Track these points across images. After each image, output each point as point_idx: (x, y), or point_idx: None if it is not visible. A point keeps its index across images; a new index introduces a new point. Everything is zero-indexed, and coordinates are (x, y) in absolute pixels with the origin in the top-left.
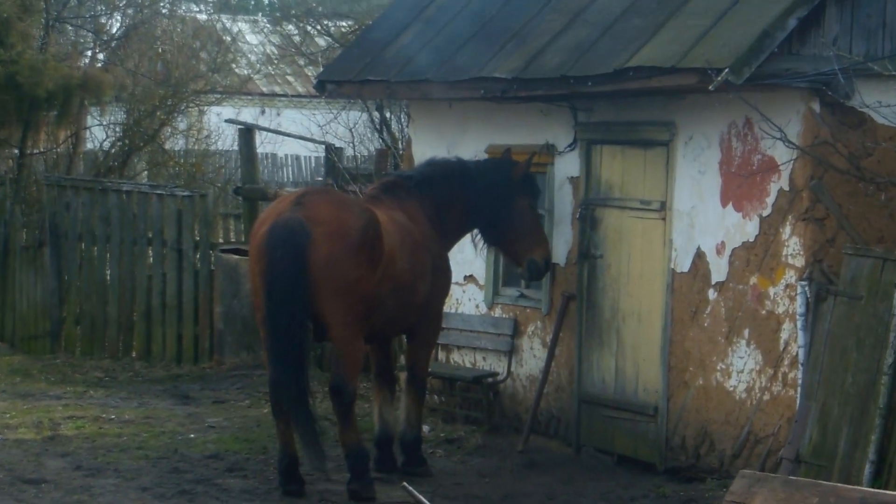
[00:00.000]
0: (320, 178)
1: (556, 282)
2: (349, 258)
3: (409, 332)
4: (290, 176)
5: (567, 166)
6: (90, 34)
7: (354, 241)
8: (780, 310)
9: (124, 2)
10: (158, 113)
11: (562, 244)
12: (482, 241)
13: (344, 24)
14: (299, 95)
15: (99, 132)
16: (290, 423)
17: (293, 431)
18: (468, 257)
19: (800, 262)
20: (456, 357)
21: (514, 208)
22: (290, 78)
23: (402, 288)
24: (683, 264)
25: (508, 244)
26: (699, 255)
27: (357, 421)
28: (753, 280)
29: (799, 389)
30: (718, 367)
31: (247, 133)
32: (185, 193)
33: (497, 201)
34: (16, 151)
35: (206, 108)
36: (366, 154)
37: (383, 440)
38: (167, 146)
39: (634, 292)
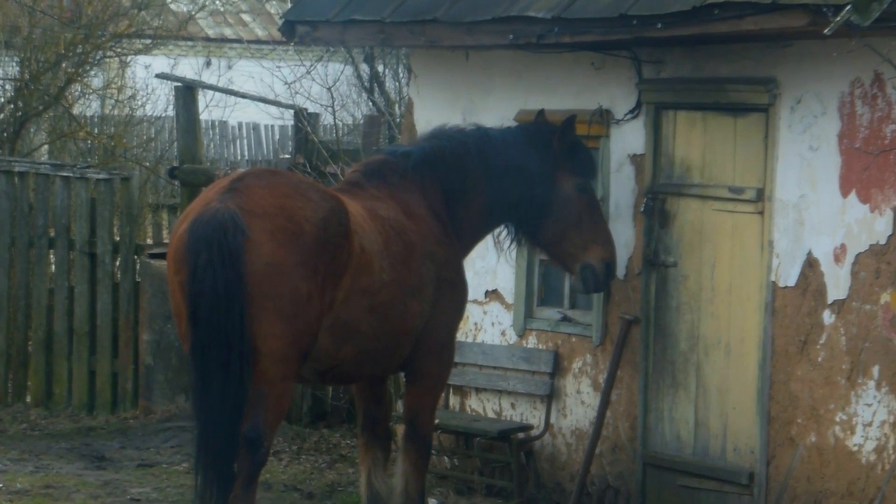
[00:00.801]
0: (287, 156)
1: (613, 300)
2: (299, 265)
3: (405, 369)
4: (246, 152)
5: (627, 140)
6: None
7: (308, 241)
8: None
9: None
10: (64, 65)
11: (620, 248)
12: (511, 241)
13: None
14: (259, 41)
15: None
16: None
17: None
18: (490, 265)
19: None
20: (474, 403)
21: (558, 192)
22: (245, 17)
23: (384, 308)
24: (788, 275)
25: (553, 243)
26: (810, 264)
27: (256, 493)
28: (885, 298)
29: None
30: (837, 419)
31: (186, 93)
32: (101, 176)
33: (534, 184)
34: None
35: (130, 58)
36: (350, 122)
37: None
38: (76, 111)
39: (721, 314)
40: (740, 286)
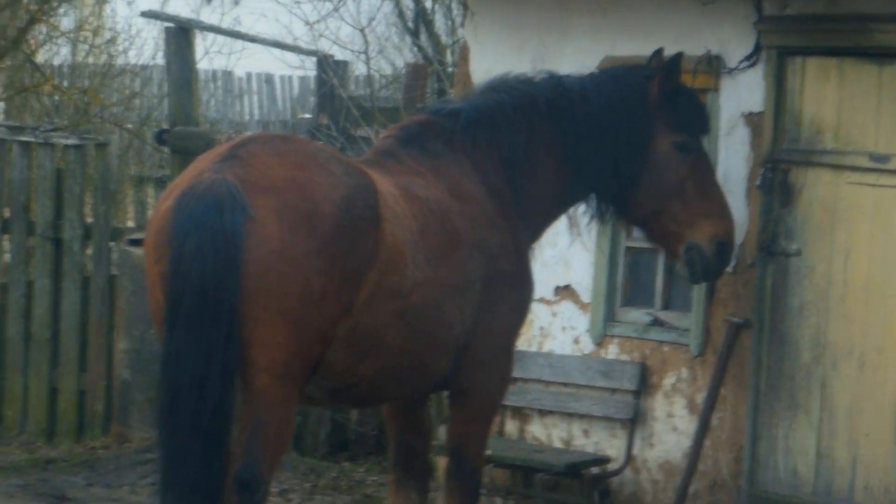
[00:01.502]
0: (307, 115)
1: (718, 298)
2: (314, 254)
3: (448, 386)
4: (257, 110)
5: (742, 95)
6: None
7: (326, 225)
8: None
9: None
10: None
11: None
12: (591, 217)
13: None
14: None
15: None
16: None
17: None
18: (562, 253)
19: None
20: (537, 430)
21: (654, 153)
22: None
23: (416, 314)
24: None
25: (649, 220)
26: None
27: None
28: None
29: None
30: None
31: (180, 36)
32: (71, 142)
33: (622, 144)
34: None
35: None
36: (390, 73)
37: None
38: (40, 59)
39: (855, 316)
40: (882, 281)
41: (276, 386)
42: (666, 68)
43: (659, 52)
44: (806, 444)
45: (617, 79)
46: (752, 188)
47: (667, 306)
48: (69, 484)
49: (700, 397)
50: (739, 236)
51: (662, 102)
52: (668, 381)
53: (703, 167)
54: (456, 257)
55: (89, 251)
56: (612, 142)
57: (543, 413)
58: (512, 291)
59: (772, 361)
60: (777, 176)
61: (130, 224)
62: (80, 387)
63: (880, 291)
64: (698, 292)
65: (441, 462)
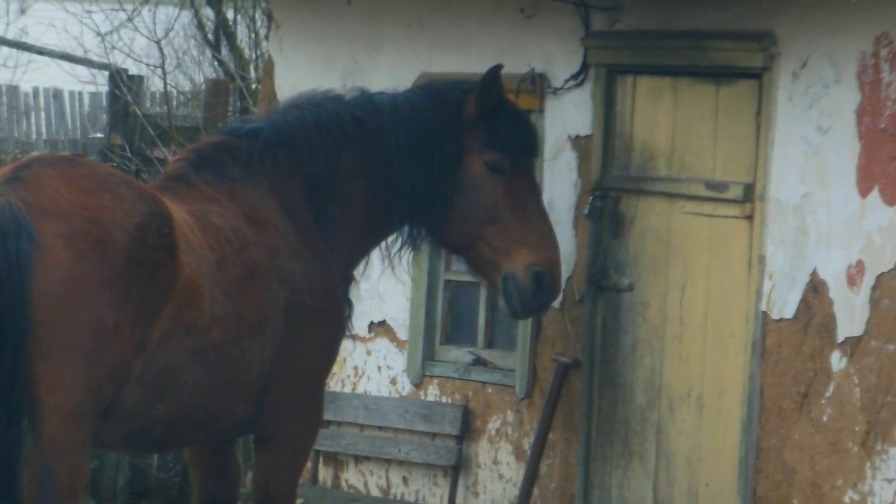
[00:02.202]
0: (99, 135)
1: (545, 336)
2: (106, 285)
3: (251, 431)
4: (45, 128)
5: (568, 116)
6: None
7: (119, 254)
8: None
9: None
10: None
11: None
12: (402, 245)
13: None
14: None
15: None
16: None
17: None
18: (375, 286)
19: None
20: (352, 478)
21: (465, 173)
22: None
23: (215, 352)
24: (785, 304)
25: (465, 247)
26: (815, 287)
27: None
28: None
29: None
30: (847, 498)
31: None
32: None
33: (433, 164)
34: None
35: None
36: (189, 89)
37: None
38: None
39: (692, 356)
40: (720, 318)
41: (67, 429)
42: (483, 82)
43: (496, 69)
44: (642, 494)
45: (432, 94)
46: (580, 217)
47: (490, 344)
48: None
49: (527, 442)
50: (567, 269)
51: (478, 119)
52: (493, 425)
53: (522, 189)
54: (254, 290)
55: None
56: (423, 161)
57: (359, 459)
58: (319, 327)
59: (604, 404)
60: (607, 205)
61: None
62: None
63: (719, 330)
64: (523, 329)
65: None
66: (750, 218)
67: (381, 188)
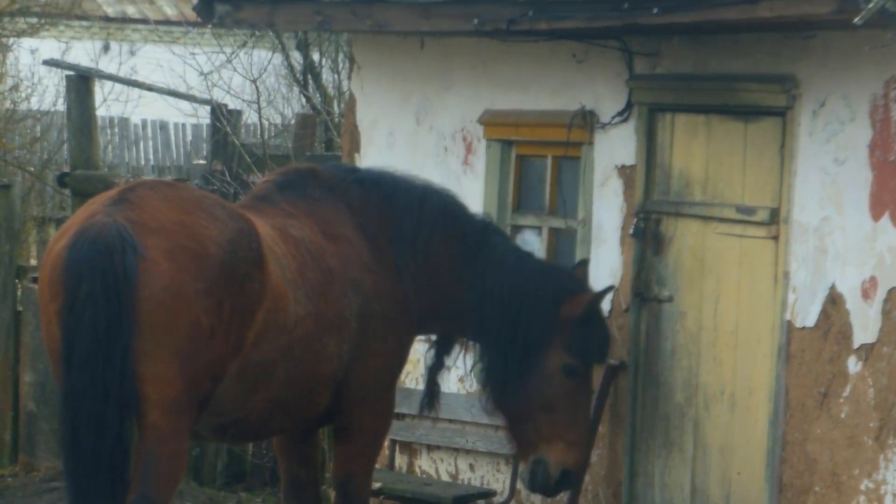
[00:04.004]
0: (202, 161)
1: None
2: (203, 293)
3: (331, 422)
4: (152, 156)
5: (615, 148)
6: None
7: (214, 266)
8: None
9: None
10: None
11: (605, 278)
12: (472, 364)
13: None
14: (168, 22)
15: None
16: None
17: None
18: None
19: None
20: (425, 464)
21: (542, 364)
22: None
23: (300, 348)
24: (807, 314)
25: (514, 417)
26: (833, 300)
27: None
28: None
29: None
30: (863, 487)
31: (80, 84)
32: None
33: (519, 339)
34: None
35: (12, 40)
36: (279, 122)
37: None
38: None
39: (725, 359)
40: (749, 326)
41: (168, 421)
42: (589, 301)
43: (584, 263)
44: (681, 481)
45: (545, 274)
46: (626, 237)
47: None
48: None
49: None
50: (615, 283)
51: (571, 324)
52: None
53: (583, 393)
54: (331, 294)
55: None
56: (510, 326)
57: (431, 448)
58: (388, 333)
59: (647, 401)
60: (649, 226)
61: (33, 262)
62: None
63: (748, 336)
64: None
65: (333, 494)
66: (775, 238)
67: (464, 299)
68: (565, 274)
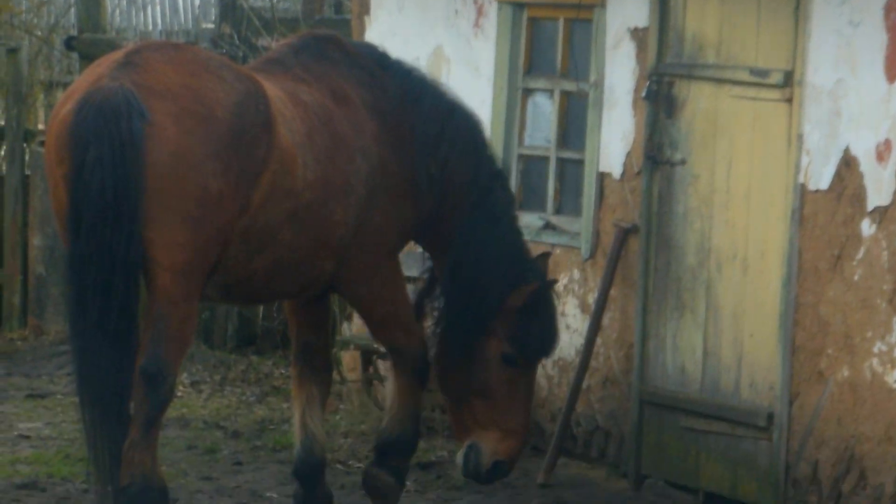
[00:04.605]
0: (210, 25)
1: (607, 204)
2: (211, 157)
3: (336, 289)
4: (160, 20)
5: (627, 10)
6: None
7: (222, 129)
8: None
9: None
10: None
11: (616, 142)
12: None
13: None
14: None
15: None
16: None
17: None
18: None
19: None
20: None
21: (482, 352)
22: None
23: (306, 212)
24: (820, 177)
25: (454, 395)
26: (847, 163)
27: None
28: None
29: None
30: (875, 349)
31: None
32: None
33: (470, 309)
34: None
35: None
36: None
37: (306, 465)
38: None
39: (738, 222)
40: (762, 189)
41: (178, 284)
42: (535, 290)
43: (546, 255)
44: (693, 343)
45: (511, 258)
46: (639, 100)
47: (558, 211)
48: None
49: (591, 298)
50: (627, 146)
51: (514, 313)
52: (561, 282)
53: (523, 384)
54: (339, 160)
55: (2, 152)
56: (461, 302)
57: None
58: (393, 207)
59: (659, 264)
60: (661, 89)
61: (41, 127)
62: None
63: (761, 199)
64: (587, 198)
65: (344, 357)
66: (789, 101)
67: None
68: (528, 263)
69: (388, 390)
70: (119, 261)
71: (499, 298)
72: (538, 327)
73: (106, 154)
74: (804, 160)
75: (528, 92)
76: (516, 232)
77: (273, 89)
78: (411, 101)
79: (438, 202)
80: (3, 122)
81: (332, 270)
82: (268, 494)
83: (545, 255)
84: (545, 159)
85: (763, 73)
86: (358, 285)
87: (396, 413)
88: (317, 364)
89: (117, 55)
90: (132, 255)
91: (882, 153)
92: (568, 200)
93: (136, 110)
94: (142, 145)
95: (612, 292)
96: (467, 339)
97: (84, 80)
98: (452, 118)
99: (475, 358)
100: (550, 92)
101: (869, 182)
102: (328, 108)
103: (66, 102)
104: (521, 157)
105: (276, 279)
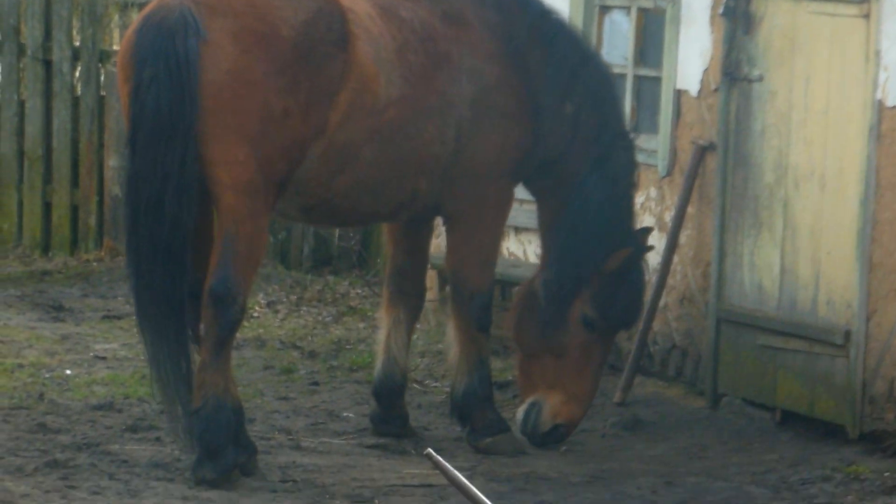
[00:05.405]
0: None
1: (684, 121)
2: (272, 74)
3: (439, 211)
4: None
5: None
6: None
7: (285, 47)
8: None
9: None
10: None
11: (693, 58)
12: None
13: None
14: None
15: None
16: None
17: (159, 364)
18: None
19: None
20: (513, 246)
21: (567, 316)
22: None
23: (390, 130)
24: None
25: (529, 343)
26: None
27: (231, 359)
28: None
29: None
30: None
31: None
32: None
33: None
34: None
35: None
36: None
37: (385, 387)
38: None
39: (815, 139)
40: (840, 106)
41: (242, 202)
42: (628, 256)
43: (648, 230)
44: (770, 261)
45: (617, 225)
46: (716, 16)
47: (636, 128)
48: (65, 295)
49: (668, 216)
50: (704, 63)
51: (604, 277)
52: (638, 200)
53: (597, 349)
54: (438, 79)
55: (78, 73)
56: (564, 259)
57: (518, 230)
58: (508, 127)
59: (736, 182)
60: (739, 5)
61: (115, 48)
62: (73, 202)
63: (839, 115)
64: (665, 116)
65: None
66: (867, 17)
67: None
68: (632, 230)
69: (448, 341)
70: (172, 179)
71: (600, 260)
72: (625, 295)
73: (161, 72)
74: (882, 76)
75: (604, 9)
76: (630, 197)
77: (361, 4)
78: (547, 40)
79: (563, 148)
80: (78, 43)
81: (431, 190)
82: (344, 414)
83: (647, 230)
84: (622, 77)
85: None
86: (458, 203)
87: (460, 364)
88: (408, 289)
89: None
90: (186, 172)
91: None
92: (645, 118)
93: (193, 28)
94: (196, 64)
95: (689, 210)
96: (561, 295)
97: (154, 1)
98: (587, 66)
99: (560, 314)
100: (627, 9)
101: None
102: (432, 26)
103: (135, 22)
104: None
105: (362, 199)
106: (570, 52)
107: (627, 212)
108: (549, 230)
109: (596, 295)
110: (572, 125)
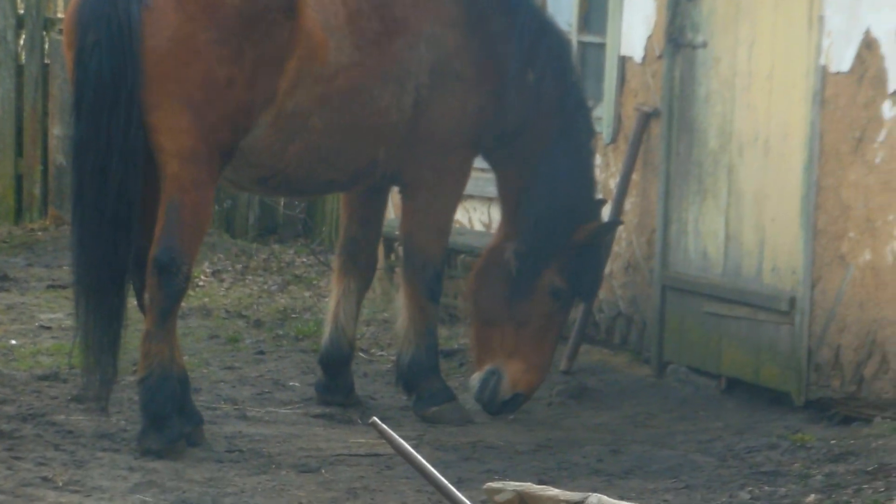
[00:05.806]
0: None
1: (628, 88)
2: (215, 42)
3: (396, 181)
4: None
5: None
6: None
7: (229, 14)
8: None
9: None
10: None
11: (637, 24)
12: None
13: None
14: None
15: None
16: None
17: (93, 328)
18: None
19: None
20: (458, 214)
21: (535, 285)
22: None
23: (342, 96)
24: (842, 59)
25: (489, 310)
26: (868, 44)
27: (176, 329)
28: None
29: None
30: None
31: None
32: None
33: (552, 217)
34: None
35: None
36: None
37: (332, 356)
38: None
39: (759, 105)
40: (783, 72)
41: (187, 170)
42: (599, 229)
43: (603, 202)
44: (715, 228)
45: (582, 196)
46: None
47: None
48: (10, 264)
49: (613, 183)
50: (648, 28)
51: (574, 248)
52: None
53: (558, 319)
54: (393, 45)
55: (22, 41)
56: (534, 229)
57: (464, 197)
58: (466, 94)
59: (680, 148)
60: None
61: (60, 15)
62: (17, 171)
63: (782, 81)
64: (609, 82)
65: None
66: None
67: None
68: (595, 201)
69: (396, 309)
70: (115, 146)
71: (570, 231)
72: (594, 267)
73: (104, 37)
74: (825, 42)
75: None
76: (592, 166)
77: None
78: (510, 7)
79: (525, 117)
80: (22, 11)
81: (391, 158)
82: (290, 383)
83: (602, 202)
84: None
85: None
86: (417, 172)
87: (408, 333)
88: (360, 259)
89: None
90: (131, 139)
91: None
92: (589, 84)
93: None
94: (139, 31)
95: (634, 177)
96: (535, 267)
97: None
98: (548, 34)
99: (527, 283)
100: None
101: (890, 64)
102: None
103: None
104: None
105: (318, 168)
106: (531, 20)
107: (591, 181)
108: (512, 201)
109: (565, 266)
110: (535, 94)
